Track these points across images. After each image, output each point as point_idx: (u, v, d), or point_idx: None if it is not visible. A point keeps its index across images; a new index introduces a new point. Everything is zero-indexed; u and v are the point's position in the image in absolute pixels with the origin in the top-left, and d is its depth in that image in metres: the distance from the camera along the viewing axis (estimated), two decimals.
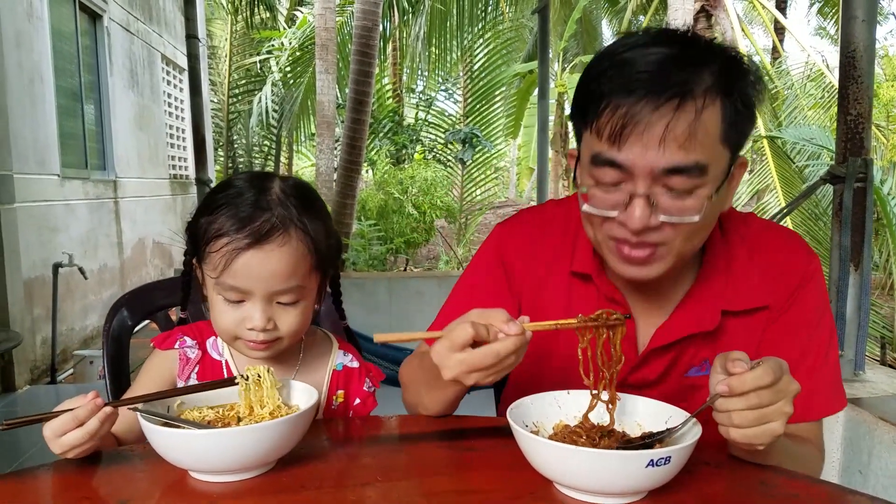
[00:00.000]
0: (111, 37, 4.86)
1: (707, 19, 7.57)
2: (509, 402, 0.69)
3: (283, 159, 10.49)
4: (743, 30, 8.20)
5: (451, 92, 9.52)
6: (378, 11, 5.26)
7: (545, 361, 0.83)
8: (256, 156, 9.95)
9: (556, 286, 0.84)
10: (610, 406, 0.69)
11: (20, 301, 3.31)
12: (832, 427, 1.58)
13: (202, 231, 0.78)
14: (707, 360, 0.75)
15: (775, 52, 9.03)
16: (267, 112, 9.06)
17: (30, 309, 3.43)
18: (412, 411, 0.86)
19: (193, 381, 0.84)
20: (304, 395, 0.74)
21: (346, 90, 5.69)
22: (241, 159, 9.85)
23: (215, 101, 9.51)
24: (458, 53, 8.52)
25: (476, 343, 0.65)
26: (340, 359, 0.90)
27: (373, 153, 8.29)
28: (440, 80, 9.41)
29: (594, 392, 0.70)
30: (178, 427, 0.67)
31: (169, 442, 0.64)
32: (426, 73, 9.10)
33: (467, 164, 8.34)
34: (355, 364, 0.90)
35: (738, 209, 0.86)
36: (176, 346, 0.85)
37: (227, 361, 0.86)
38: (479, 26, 8.46)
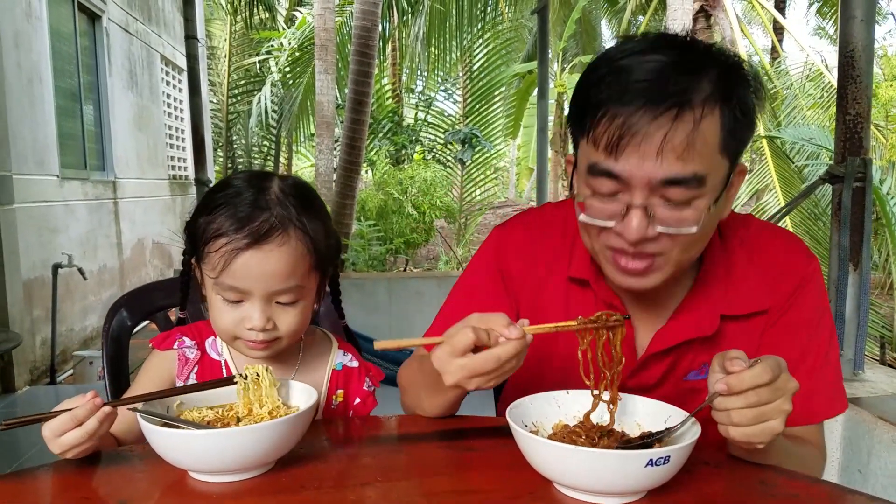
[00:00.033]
0: (110, 37, 4.86)
1: (706, 19, 7.58)
2: (508, 402, 0.69)
3: (282, 160, 10.48)
4: (742, 30, 8.20)
5: (450, 92, 9.52)
6: (377, 12, 5.26)
7: (545, 363, 0.83)
8: (256, 156, 9.95)
9: (554, 291, 0.83)
10: (611, 406, 0.69)
11: (20, 302, 3.31)
12: (832, 427, 1.59)
13: (201, 231, 0.78)
14: (706, 364, 0.75)
15: (774, 53, 9.04)
16: (266, 112, 9.06)
17: (29, 310, 3.43)
18: (410, 413, 0.86)
19: (192, 382, 0.84)
20: (303, 395, 0.74)
21: (346, 90, 5.69)
22: (241, 160, 9.85)
23: (214, 101, 9.51)
24: (458, 54, 8.53)
25: (477, 348, 0.65)
26: (340, 358, 0.90)
27: (372, 153, 8.30)
28: (439, 81, 9.41)
29: (595, 393, 0.70)
30: (177, 427, 0.67)
31: (168, 442, 0.64)
32: (425, 74, 9.11)
33: (467, 164, 8.34)
34: (355, 364, 0.90)
35: (736, 209, 0.85)
36: (175, 347, 0.85)
37: (226, 361, 0.86)
38: (479, 26, 8.46)
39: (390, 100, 9.16)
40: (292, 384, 0.76)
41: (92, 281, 4.19)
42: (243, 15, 8.86)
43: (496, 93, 8.91)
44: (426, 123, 9.09)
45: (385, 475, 0.66)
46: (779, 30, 9.06)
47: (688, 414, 0.66)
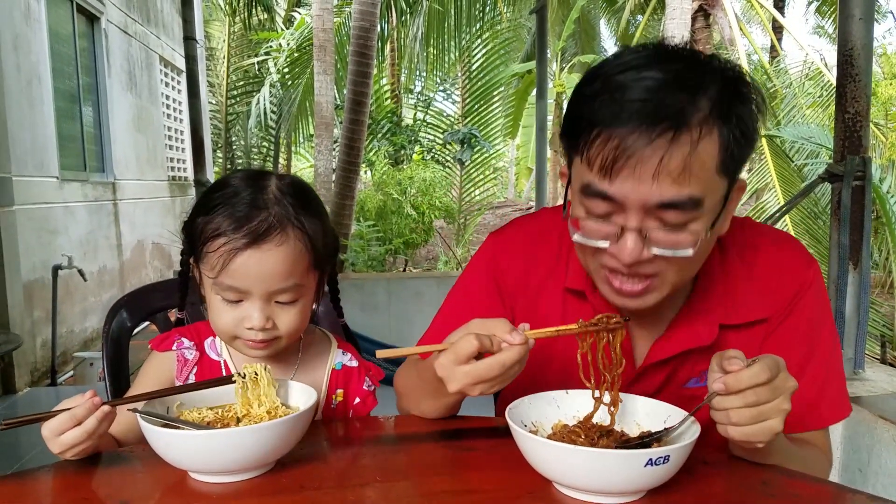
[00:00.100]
0: (109, 39, 4.86)
1: (705, 18, 7.59)
2: (508, 403, 0.69)
3: (281, 160, 10.48)
4: (741, 29, 8.21)
5: (449, 92, 9.53)
6: (376, 12, 5.26)
7: (545, 365, 0.82)
8: (255, 157, 9.94)
9: (551, 301, 0.82)
10: (612, 409, 0.69)
11: (20, 303, 3.31)
12: (832, 426, 1.58)
13: (199, 231, 0.78)
14: (706, 371, 0.74)
15: (773, 51, 9.04)
16: (265, 113, 9.06)
17: (30, 311, 3.43)
18: (406, 414, 0.86)
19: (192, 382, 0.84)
20: (303, 395, 0.74)
21: (345, 91, 5.69)
22: (240, 160, 9.84)
23: (213, 102, 9.51)
24: (457, 54, 8.52)
25: (479, 353, 0.64)
26: (339, 358, 0.90)
27: (371, 154, 8.29)
28: (438, 81, 9.41)
29: (596, 396, 0.70)
30: (177, 428, 0.67)
31: (168, 443, 0.64)
32: (424, 74, 9.11)
33: (466, 164, 8.34)
34: (354, 363, 0.90)
35: (736, 209, 0.84)
36: (173, 348, 0.85)
37: (225, 362, 0.86)
38: (477, 26, 8.46)
39: (389, 100, 9.16)
40: (292, 384, 0.76)
41: (92, 282, 4.19)
42: (242, 16, 8.85)
43: (495, 93, 8.91)
44: (425, 124, 9.09)
45: (385, 475, 0.67)
46: (778, 28, 9.06)
47: (687, 413, 0.66)
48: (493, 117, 8.95)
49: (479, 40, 8.63)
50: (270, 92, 9.06)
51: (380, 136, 8.54)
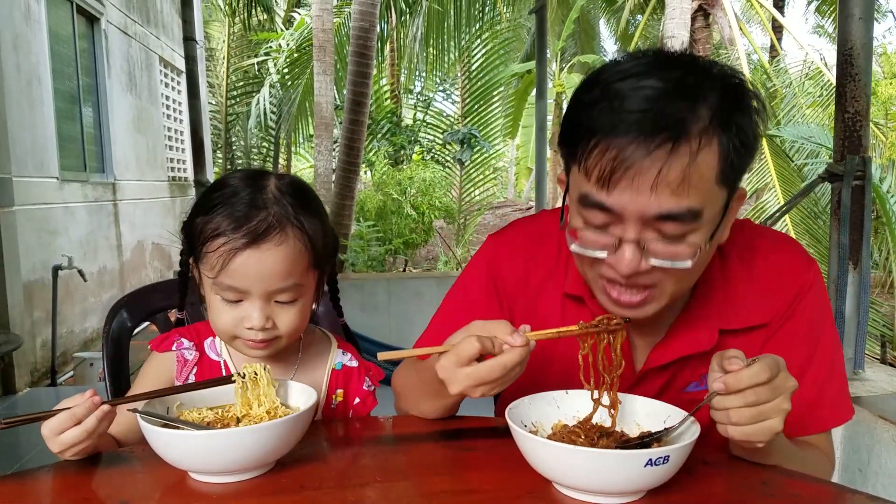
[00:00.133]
0: (109, 39, 4.87)
1: (705, 18, 7.59)
2: (508, 403, 0.69)
3: (281, 161, 10.48)
4: (741, 28, 8.21)
5: (449, 92, 9.53)
6: (375, 12, 5.26)
7: (546, 366, 0.82)
8: (255, 157, 9.95)
9: (550, 306, 0.82)
10: (612, 411, 0.69)
11: (20, 304, 3.31)
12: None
13: (198, 231, 0.78)
14: (706, 375, 0.73)
15: (773, 51, 9.04)
16: (265, 114, 9.06)
17: (30, 312, 3.43)
18: (404, 414, 0.86)
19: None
20: (303, 395, 0.74)
21: (344, 91, 5.69)
22: (240, 161, 9.85)
23: (213, 103, 9.51)
24: (456, 54, 8.52)
25: (480, 356, 0.64)
26: (339, 358, 0.90)
27: (371, 154, 8.30)
28: (438, 81, 9.41)
29: (595, 398, 0.70)
30: (177, 428, 0.67)
31: (168, 443, 0.64)
32: (424, 74, 9.11)
33: (466, 164, 8.34)
34: (354, 363, 0.90)
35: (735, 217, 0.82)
36: (173, 349, 0.85)
37: (225, 362, 0.86)
38: (477, 26, 8.46)
39: (389, 100, 9.16)
40: (292, 384, 0.76)
41: (92, 283, 4.19)
42: (241, 16, 8.85)
43: (495, 93, 8.91)
44: (425, 124, 9.09)
45: (384, 475, 0.67)
46: (778, 28, 9.06)
47: (686, 414, 0.66)
48: (493, 117, 8.95)
49: (478, 40, 8.63)
50: (270, 92, 9.06)
51: (379, 136, 8.55)
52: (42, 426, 0.66)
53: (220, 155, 9.74)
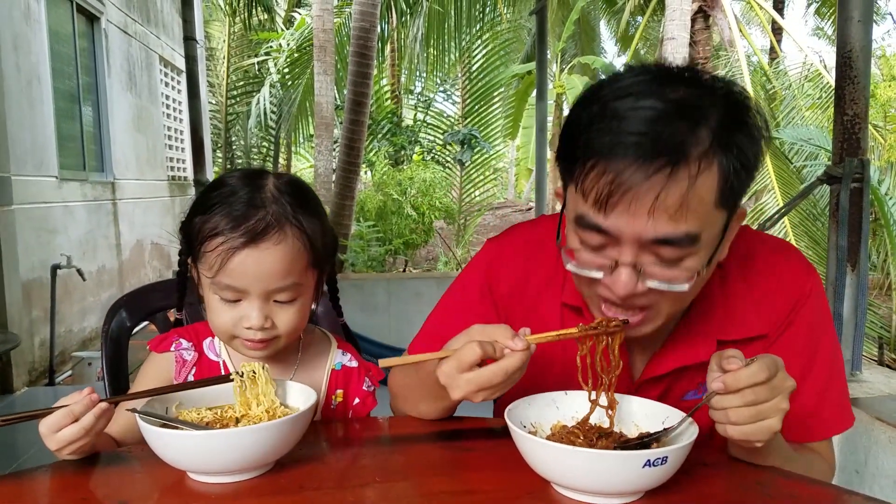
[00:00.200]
0: (109, 39, 4.86)
1: (704, 20, 7.60)
2: (507, 403, 0.69)
3: (281, 161, 10.48)
4: (741, 30, 8.22)
5: (449, 93, 9.53)
6: (376, 13, 5.26)
7: (545, 368, 0.82)
8: (255, 157, 9.95)
9: (548, 315, 0.81)
10: (610, 412, 0.69)
11: (18, 303, 3.30)
12: None
13: (196, 230, 0.77)
14: (703, 383, 0.72)
15: (773, 53, 9.06)
16: (265, 113, 9.06)
17: (28, 311, 3.43)
18: (401, 415, 0.86)
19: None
20: (302, 395, 0.74)
21: (345, 91, 5.69)
22: (240, 161, 9.84)
23: (213, 102, 9.51)
24: (457, 54, 8.53)
25: (481, 360, 0.64)
26: (339, 358, 0.90)
27: (371, 154, 8.30)
28: (438, 82, 9.42)
29: (593, 399, 0.70)
30: (176, 428, 0.67)
31: (167, 443, 0.64)
32: (424, 75, 9.11)
33: (466, 165, 8.35)
34: (354, 363, 0.90)
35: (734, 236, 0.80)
36: (172, 349, 0.85)
37: (224, 362, 0.86)
38: (478, 27, 8.47)
39: (389, 101, 9.17)
40: (291, 385, 0.76)
41: (91, 282, 4.18)
42: (242, 16, 8.85)
43: (495, 94, 8.91)
44: (425, 124, 9.09)
45: (384, 476, 0.67)
46: (777, 30, 9.08)
47: (685, 414, 0.66)
48: (493, 118, 8.96)
49: (479, 41, 8.64)
50: (270, 92, 9.06)
51: (380, 136, 8.55)
52: (39, 424, 0.66)
53: (219, 154, 9.73)
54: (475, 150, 8.22)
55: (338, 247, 0.89)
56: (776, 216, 2.45)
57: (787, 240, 5.37)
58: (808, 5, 10.68)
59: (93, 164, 4.66)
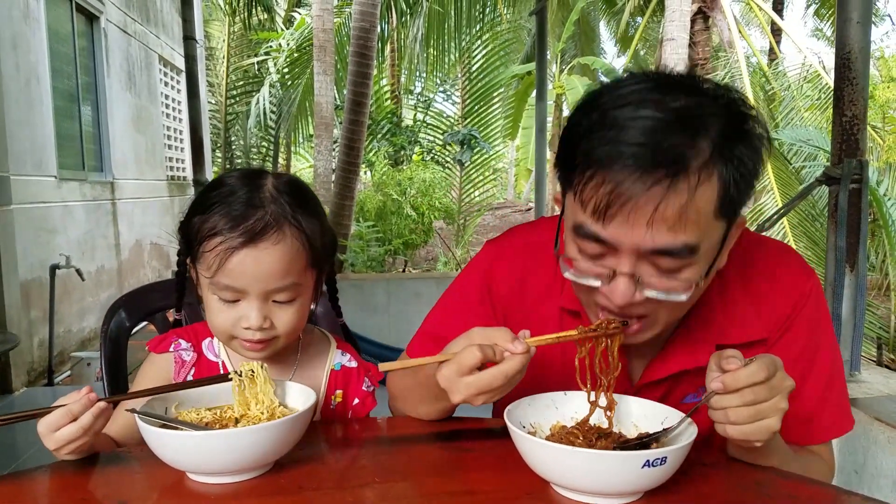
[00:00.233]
0: (108, 38, 4.86)
1: (704, 21, 7.61)
2: (506, 404, 0.69)
3: (281, 160, 10.48)
4: (740, 31, 8.23)
5: (449, 93, 9.54)
6: (376, 13, 5.27)
7: (546, 370, 0.82)
8: (254, 157, 9.94)
9: (547, 319, 0.81)
10: (608, 413, 0.70)
11: (17, 303, 3.30)
12: None
13: (195, 230, 0.77)
14: (703, 387, 0.71)
15: (772, 54, 9.07)
16: (265, 113, 9.06)
17: (27, 311, 3.42)
18: (399, 415, 0.86)
19: None
20: (301, 396, 0.74)
21: (344, 91, 5.69)
22: (239, 160, 9.84)
23: (213, 102, 9.50)
24: (457, 55, 8.53)
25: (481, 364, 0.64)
26: (339, 358, 0.90)
27: (371, 154, 8.30)
28: (438, 82, 9.42)
29: (592, 400, 0.70)
30: (175, 428, 0.67)
31: (166, 443, 0.64)
32: (424, 75, 9.12)
33: (466, 165, 8.35)
34: (353, 364, 0.90)
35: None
36: (171, 350, 0.85)
37: (223, 363, 0.86)
38: (477, 28, 8.48)
39: (389, 101, 9.17)
40: (291, 385, 0.76)
41: (90, 282, 4.18)
42: (242, 16, 8.85)
43: (495, 94, 8.92)
44: (425, 124, 9.09)
45: (383, 476, 0.67)
46: (776, 31, 9.09)
47: (684, 415, 0.66)
48: (493, 118, 8.96)
49: (479, 41, 8.64)
50: (270, 92, 9.06)
51: (379, 136, 8.55)
52: (38, 423, 0.66)
53: (219, 154, 9.73)
54: (475, 151, 8.22)
55: (337, 247, 0.89)
56: (775, 217, 2.45)
57: (786, 240, 5.39)
58: (808, 7, 10.70)
59: (92, 164, 4.65)
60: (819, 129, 6.32)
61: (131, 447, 0.75)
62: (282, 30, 9.71)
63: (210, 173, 5.37)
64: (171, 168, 6.57)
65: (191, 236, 0.78)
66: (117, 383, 1.00)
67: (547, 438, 0.67)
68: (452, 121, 9.14)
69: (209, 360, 0.86)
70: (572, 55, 10.93)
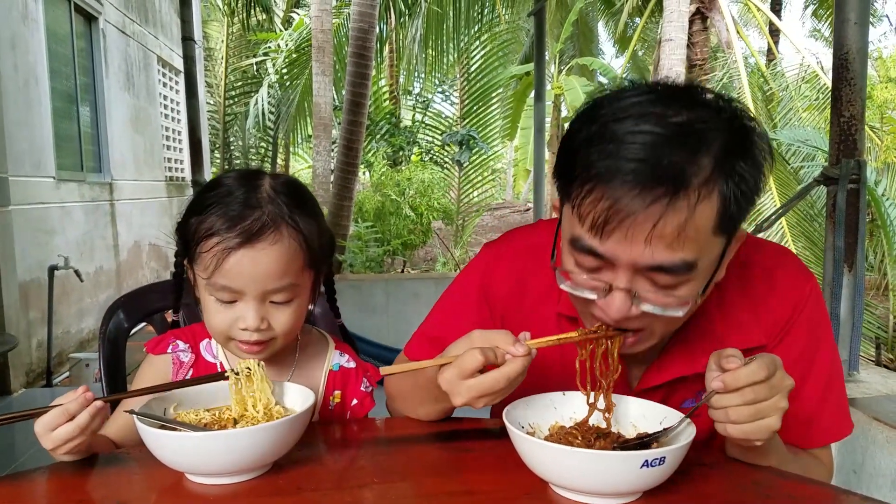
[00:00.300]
0: (107, 39, 4.85)
1: (702, 21, 7.62)
2: (505, 404, 0.69)
3: (279, 161, 10.48)
4: (738, 32, 8.25)
5: (447, 94, 9.55)
6: (374, 14, 5.27)
7: (545, 371, 0.81)
8: (253, 158, 9.94)
9: (544, 323, 0.80)
10: (607, 415, 0.70)
11: (15, 304, 3.29)
12: None
13: (192, 231, 0.77)
14: (702, 391, 0.71)
15: (770, 54, 9.09)
16: (263, 114, 9.06)
17: (25, 312, 3.42)
18: (398, 416, 0.86)
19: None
20: (300, 396, 0.74)
21: (343, 92, 5.69)
22: (238, 161, 9.84)
23: (211, 103, 9.50)
24: (455, 55, 8.54)
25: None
26: (337, 359, 0.90)
27: (370, 155, 8.30)
28: (437, 83, 9.43)
29: (591, 402, 0.70)
30: (173, 429, 0.67)
31: (165, 444, 0.64)
32: (423, 76, 9.12)
33: (464, 165, 8.36)
34: (352, 364, 0.90)
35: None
36: (168, 351, 0.85)
37: (221, 364, 0.86)
38: (476, 28, 8.48)
39: (388, 101, 9.17)
40: (289, 386, 0.76)
41: (88, 283, 4.17)
42: (240, 16, 8.85)
43: (493, 95, 8.93)
44: (423, 125, 9.10)
45: (382, 477, 0.67)
46: (774, 32, 9.11)
47: (683, 415, 0.66)
48: (492, 119, 8.97)
49: (477, 42, 8.65)
50: (269, 93, 9.06)
51: (378, 137, 8.55)
52: (35, 423, 0.66)
53: (217, 155, 9.72)
54: (473, 151, 8.22)
55: (335, 247, 0.89)
56: (773, 217, 2.46)
57: (785, 240, 5.40)
58: (806, 7, 10.72)
59: (90, 165, 4.65)
60: (817, 129, 6.34)
61: (130, 448, 0.75)
62: (280, 30, 9.71)
63: (209, 174, 5.37)
64: (170, 169, 6.56)
65: (188, 237, 0.78)
66: (116, 384, 1.00)
67: (546, 439, 0.67)
68: (451, 121, 9.15)
69: (207, 362, 0.86)
70: (571, 56, 10.95)
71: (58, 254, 3.72)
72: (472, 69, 8.80)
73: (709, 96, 0.64)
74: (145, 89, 5.76)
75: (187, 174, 6.52)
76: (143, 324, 1.19)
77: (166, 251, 5.93)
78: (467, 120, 8.73)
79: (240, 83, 10.09)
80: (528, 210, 10.54)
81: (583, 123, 0.65)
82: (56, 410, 0.65)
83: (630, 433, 0.70)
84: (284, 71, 9.11)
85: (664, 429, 0.66)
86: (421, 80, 9.36)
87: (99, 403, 0.67)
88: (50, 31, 3.91)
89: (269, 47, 9.42)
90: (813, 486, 0.67)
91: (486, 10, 8.35)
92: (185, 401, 0.73)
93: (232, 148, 9.96)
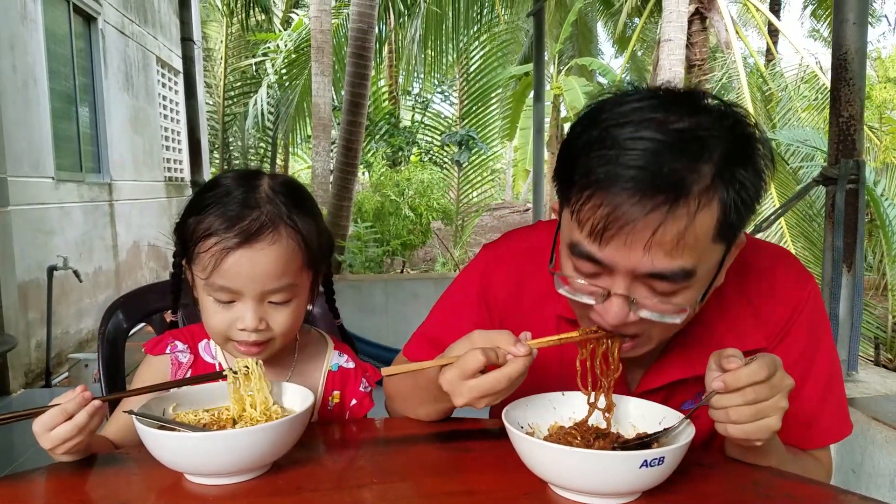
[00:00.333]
0: (106, 39, 4.85)
1: (701, 22, 7.63)
2: (504, 404, 0.69)
3: (279, 162, 10.48)
4: (737, 32, 8.26)
5: (447, 94, 9.55)
6: (374, 14, 5.27)
7: (545, 371, 0.81)
8: (252, 158, 9.94)
9: (544, 325, 0.80)
10: (607, 414, 0.70)
11: (14, 305, 3.29)
12: None
13: (191, 231, 0.77)
14: (701, 392, 0.71)
15: (769, 55, 9.10)
16: (263, 114, 9.06)
17: (24, 312, 3.42)
18: (396, 416, 0.86)
19: (186, 387, 0.84)
20: (299, 397, 0.74)
21: (342, 92, 5.69)
22: (237, 161, 9.84)
23: (211, 103, 9.50)
24: (454, 56, 8.54)
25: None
26: (336, 359, 0.90)
27: (369, 155, 8.31)
28: (436, 83, 9.43)
29: (591, 402, 0.70)
30: (173, 430, 0.67)
31: (164, 444, 0.64)
32: (422, 76, 9.13)
33: (463, 166, 8.36)
34: (351, 364, 0.90)
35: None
36: (167, 352, 0.85)
37: (219, 364, 0.86)
38: (475, 29, 8.49)
39: (387, 102, 9.18)
40: (288, 386, 0.76)
41: (87, 283, 4.17)
42: (239, 17, 8.85)
43: (493, 95, 8.93)
44: (423, 125, 9.10)
45: (381, 477, 0.67)
46: (773, 32, 9.12)
47: (682, 415, 0.66)
48: (491, 119, 8.98)
49: (476, 42, 8.66)
50: (268, 93, 9.07)
51: (377, 137, 8.55)
52: (33, 423, 0.66)
53: (217, 155, 9.72)
54: (473, 152, 8.23)
55: (333, 247, 0.89)
56: (772, 217, 2.46)
57: (784, 240, 5.40)
58: (804, 7, 10.74)
59: (89, 166, 4.64)
60: (816, 129, 6.35)
61: (129, 449, 0.75)
62: (279, 31, 9.71)
63: (208, 174, 5.37)
64: (169, 169, 6.56)
65: (186, 237, 0.78)
66: (115, 384, 1.00)
67: (545, 439, 0.67)
68: (450, 122, 9.15)
69: (206, 362, 0.86)
70: (570, 56, 10.96)
71: (57, 254, 3.72)
72: (472, 69, 8.80)
73: (711, 102, 0.63)
74: (144, 90, 5.76)
75: (186, 174, 6.52)
76: (142, 324, 1.18)
77: (165, 251, 5.92)
78: (466, 120, 8.73)
79: (239, 83, 10.08)
80: (527, 210, 10.55)
81: (584, 127, 0.65)
82: (54, 410, 0.65)
83: (629, 433, 0.70)
84: (283, 71, 9.11)
85: (664, 429, 0.66)
86: (420, 81, 9.37)
87: (97, 403, 0.67)
88: (49, 31, 3.91)
89: (269, 48, 9.43)
90: (812, 485, 0.67)
91: (486, 10, 8.35)
92: (184, 401, 0.73)
93: (231, 148, 9.96)
